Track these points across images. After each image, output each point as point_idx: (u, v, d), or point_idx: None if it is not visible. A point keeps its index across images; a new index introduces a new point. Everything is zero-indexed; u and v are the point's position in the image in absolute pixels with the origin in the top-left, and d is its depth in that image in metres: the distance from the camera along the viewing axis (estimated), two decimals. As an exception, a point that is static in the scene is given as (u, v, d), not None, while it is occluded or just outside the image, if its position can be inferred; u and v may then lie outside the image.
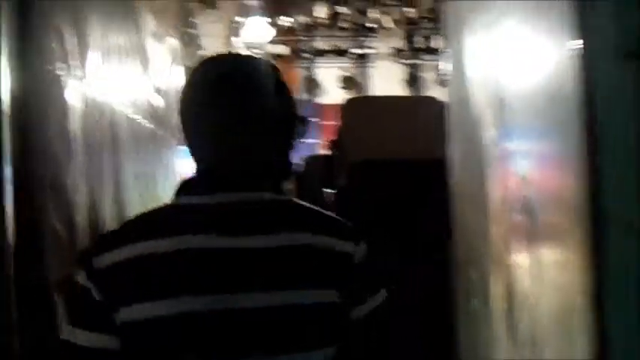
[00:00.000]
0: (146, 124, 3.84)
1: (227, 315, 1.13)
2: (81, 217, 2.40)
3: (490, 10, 1.45)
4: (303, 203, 1.32)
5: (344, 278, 1.22)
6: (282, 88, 1.36)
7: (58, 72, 2.29)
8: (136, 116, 3.55)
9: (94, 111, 2.76)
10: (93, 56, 2.80)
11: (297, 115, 1.38)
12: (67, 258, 2.18)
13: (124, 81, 3.39)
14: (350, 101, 2.64)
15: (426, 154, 2.32)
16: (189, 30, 14.76)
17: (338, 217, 1.33)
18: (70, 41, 2.45)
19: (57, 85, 2.27)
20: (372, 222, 2.47)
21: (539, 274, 1.53)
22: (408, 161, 2.44)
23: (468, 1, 1.60)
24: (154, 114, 4.12)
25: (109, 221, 2.78)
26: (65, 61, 2.39)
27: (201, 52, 14.34)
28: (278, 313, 1.15)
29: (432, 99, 2.79)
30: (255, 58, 1.41)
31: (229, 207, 1.21)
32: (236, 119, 1.26)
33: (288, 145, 1.36)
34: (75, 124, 2.45)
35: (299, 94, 16.00)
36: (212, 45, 14.08)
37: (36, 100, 2.02)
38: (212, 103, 1.26)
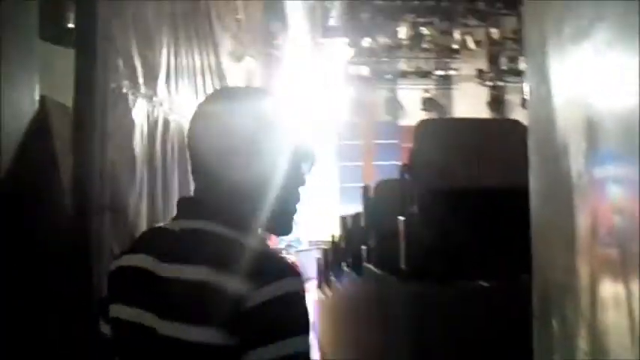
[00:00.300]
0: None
1: (138, 330, 1.26)
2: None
3: (580, 17, 1.28)
4: (236, 237, 1.26)
5: (231, 320, 1.17)
6: (264, 124, 1.33)
7: (125, 90, 2.26)
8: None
9: (162, 129, 2.72)
10: (163, 75, 2.77)
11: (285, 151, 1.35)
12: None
13: (196, 100, 3.36)
14: (423, 123, 2.47)
15: (507, 183, 2.14)
16: (272, 51, 14.97)
17: (268, 256, 1.26)
18: (139, 61, 2.42)
19: (123, 104, 2.24)
20: (442, 255, 2.29)
21: (635, 318, 1.32)
22: (485, 190, 2.25)
23: (552, 9, 1.43)
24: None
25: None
26: (133, 79, 2.36)
27: (282, 73, 14.51)
28: (165, 342, 1.22)
29: (513, 122, 2.59)
30: (248, 92, 1.44)
31: (173, 233, 1.30)
32: (197, 152, 1.33)
33: (266, 182, 1.33)
34: (140, 142, 2.41)
35: (380, 115, 15.92)
36: (293, 66, 14.19)
37: (99, 117, 1.98)
38: (188, 135, 1.35)
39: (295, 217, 1.40)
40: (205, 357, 1.18)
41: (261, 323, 1.16)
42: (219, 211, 1.29)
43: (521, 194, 1.73)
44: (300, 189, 1.39)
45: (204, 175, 1.32)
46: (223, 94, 1.45)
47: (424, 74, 15.28)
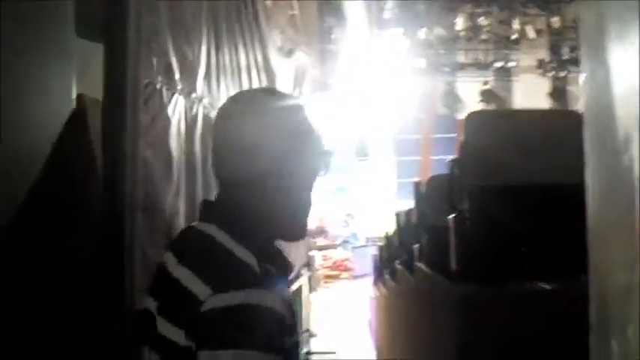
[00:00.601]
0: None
1: (149, 319, 1.30)
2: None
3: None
4: (223, 242, 1.28)
5: (191, 321, 1.19)
6: (281, 128, 1.32)
7: (159, 86, 2.19)
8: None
9: (202, 126, 2.65)
10: (203, 71, 2.70)
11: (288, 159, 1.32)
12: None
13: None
14: (472, 115, 2.31)
15: (564, 178, 1.98)
16: (328, 46, 14.87)
17: (240, 266, 1.24)
18: (175, 56, 2.35)
19: (157, 99, 2.17)
20: (494, 255, 2.14)
21: None
22: (540, 186, 2.09)
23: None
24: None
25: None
26: (168, 75, 2.29)
27: (339, 68, 14.41)
28: (157, 337, 1.25)
29: (570, 113, 2.41)
30: (265, 95, 1.42)
31: (191, 233, 1.37)
32: (216, 154, 1.35)
33: (271, 189, 1.31)
34: (177, 140, 2.33)
35: (437, 108, 15.65)
36: (350, 59, 14.08)
37: (130, 113, 1.91)
38: (212, 137, 1.40)
39: (307, 221, 1.38)
40: (177, 357, 1.19)
41: (208, 329, 1.15)
42: (229, 219, 1.29)
43: (580, 189, 1.59)
44: (312, 193, 1.37)
45: (222, 178, 1.34)
46: (242, 96, 1.47)
47: (483, 66, 14.93)
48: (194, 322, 1.16)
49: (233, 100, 1.43)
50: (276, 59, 4.68)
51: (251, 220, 1.29)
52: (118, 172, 1.88)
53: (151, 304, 1.33)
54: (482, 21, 13.52)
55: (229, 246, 1.25)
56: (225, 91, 2.99)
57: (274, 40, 4.80)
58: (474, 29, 13.78)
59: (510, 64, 14.76)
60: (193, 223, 1.40)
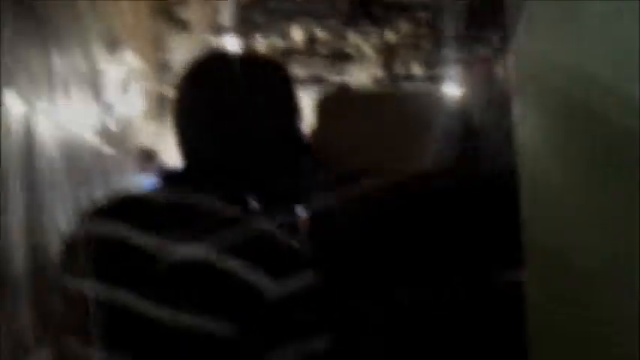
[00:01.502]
0: (89, 144, 3.33)
1: (120, 312, 1.10)
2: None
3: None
4: (249, 217, 1.17)
5: (247, 313, 1.06)
6: (267, 94, 1.39)
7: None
8: (89, 137, 3.04)
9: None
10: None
11: (285, 126, 1.40)
12: None
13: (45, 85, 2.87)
14: (326, 100, 2.11)
15: (415, 164, 1.81)
16: (160, 53, 14.33)
17: (282, 242, 1.14)
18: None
19: None
20: (334, 259, 1.86)
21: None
22: (391, 179, 1.87)
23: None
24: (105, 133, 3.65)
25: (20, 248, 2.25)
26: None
27: (173, 75, 13.89)
28: (166, 330, 1.07)
29: (422, 95, 2.25)
30: (254, 58, 1.46)
31: (159, 204, 1.18)
32: (184, 113, 1.27)
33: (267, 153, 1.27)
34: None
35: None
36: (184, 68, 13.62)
37: None
38: (181, 98, 1.30)
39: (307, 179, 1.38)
40: (211, 349, 1.04)
41: (285, 319, 1.05)
42: (216, 183, 1.19)
43: (448, 181, 1.43)
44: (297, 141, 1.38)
45: (193, 142, 1.24)
46: (210, 57, 1.42)
47: (319, 80, 15.12)
48: (254, 311, 1.03)
49: (213, 57, 1.40)
50: (100, 54, 4.28)
51: (248, 188, 1.25)
52: None
53: (113, 293, 1.12)
54: (318, 33, 13.64)
55: (251, 219, 1.16)
56: (24, 69, 2.57)
57: (98, 32, 4.39)
58: (310, 42, 13.88)
59: (346, 79, 15.10)
60: (157, 194, 1.22)
